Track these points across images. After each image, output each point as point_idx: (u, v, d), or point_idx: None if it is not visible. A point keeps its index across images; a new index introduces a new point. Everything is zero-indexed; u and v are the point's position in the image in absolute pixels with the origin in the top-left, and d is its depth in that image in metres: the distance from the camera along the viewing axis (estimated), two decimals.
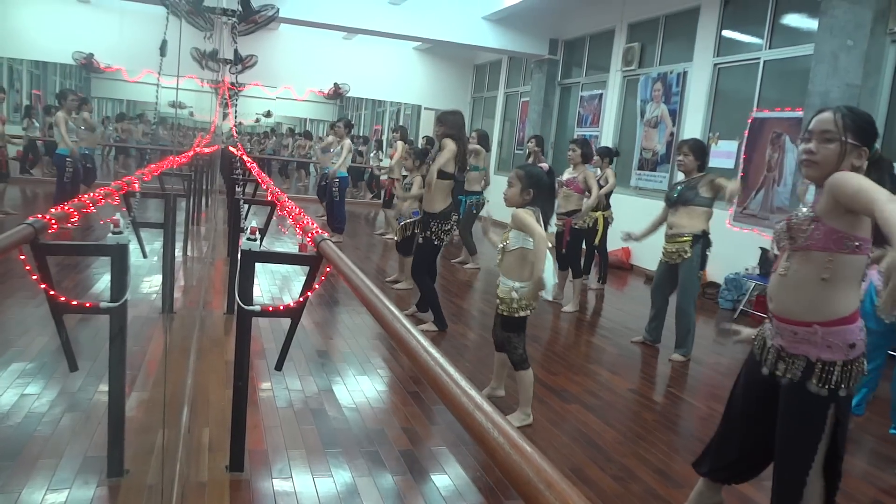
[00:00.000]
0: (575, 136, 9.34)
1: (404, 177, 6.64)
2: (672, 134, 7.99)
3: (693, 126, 7.67)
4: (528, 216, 3.02)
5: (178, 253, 4.84)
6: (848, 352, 1.86)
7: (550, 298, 5.85)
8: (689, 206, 4.34)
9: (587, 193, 5.67)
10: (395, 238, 5.93)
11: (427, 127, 13.58)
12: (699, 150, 4.43)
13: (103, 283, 4.86)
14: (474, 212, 7.30)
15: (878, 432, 3.62)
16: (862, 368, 1.89)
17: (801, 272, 1.88)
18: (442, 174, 4.62)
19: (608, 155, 6.62)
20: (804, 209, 1.89)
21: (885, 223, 1.46)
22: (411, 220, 5.50)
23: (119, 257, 2.19)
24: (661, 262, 4.60)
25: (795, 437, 1.92)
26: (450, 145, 4.60)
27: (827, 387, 1.86)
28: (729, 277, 6.48)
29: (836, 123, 1.84)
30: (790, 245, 1.91)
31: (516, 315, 3.13)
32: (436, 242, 4.65)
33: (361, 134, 16.58)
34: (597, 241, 6.40)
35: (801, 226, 1.86)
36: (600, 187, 6.28)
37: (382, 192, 10.01)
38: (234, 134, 9.14)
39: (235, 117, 9.80)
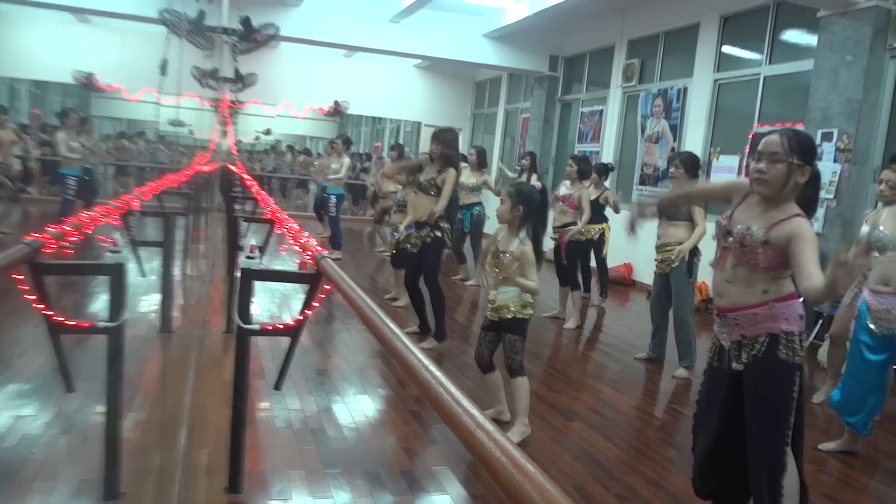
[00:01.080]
0: (575, 153, 9.41)
1: (394, 193, 6.69)
2: (673, 149, 8.01)
3: (694, 141, 7.71)
4: (533, 258, 3.14)
5: (177, 272, 4.84)
6: (800, 322, 2.15)
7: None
8: (672, 220, 4.46)
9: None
10: (390, 252, 5.91)
11: (427, 144, 13.63)
12: (691, 163, 4.48)
13: (101, 302, 4.85)
14: (484, 219, 7.29)
15: (886, 448, 3.59)
16: (805, 340, 2.19)
17: (745, 276, 2.16)
18: (438, 190, 4.61)
19: (605, 172, 6.63)
20: (754, 227, 2.11)
21: (812, 287, 1.91)
22: (406, 234, 5.47)
23: (117, 276, 2.18)
24: (656, 277, 4.67)
25: (772, 407, 2.14)
26: (452, 172, 4.61)
27: (794, 355, 2.12)
28: None
29: (783, 146, 2.09)
30: (740, 257, 2.15)
31: (521, 315, 3.17)
32: (446, 239, 4.65)
33: (362, 151, 16.65)
34: (606, 251, 6.44)
35: (755, 247, 2.11)
36: (602, 208, 6.31)
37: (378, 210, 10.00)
38: (234, 152, 9.19)
39: (235, 135, 9.86)
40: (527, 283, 3.12)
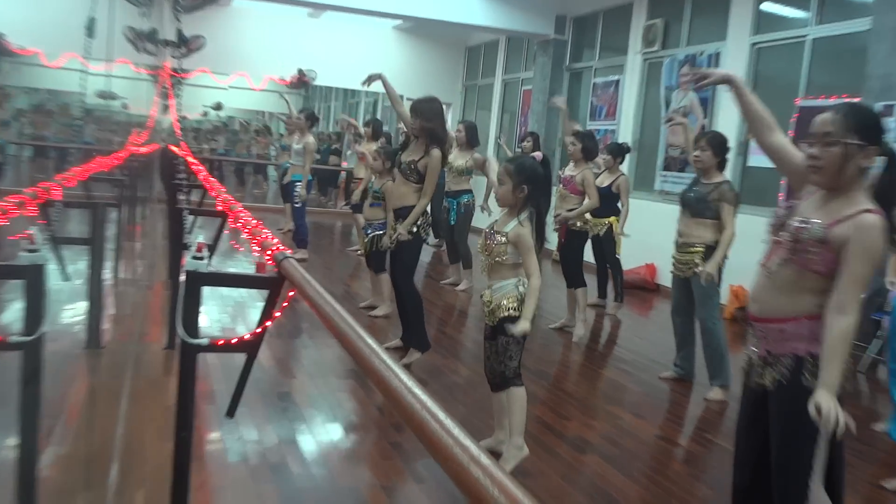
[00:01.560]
0: (585, 130, 9.45)
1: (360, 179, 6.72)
2: (703, 127, 8.05)
3: (728, 117, 7.75)
4: (531, 242, 3.16)
5: (108, 275, 4.82)
6: None
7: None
8: (698, 217, 4.48)
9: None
10: (364, 252, 5.89)
11: None
12: (719, 144, 4.51)
13: (14, 312, 4.81)
14: (474, 210, 7.28)
15: None
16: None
17: (790, 278, 2.16)
18: (418, 176, 4.62)
19: (620, 153, 6.63)
20: (813, 220, 2.10)
21: (827, 331, 2.02)
22: (380, 232, 5.47)
23: (34, 280, 2.16)
24: (674, 279, 4.70)
25: (792, 438, 2.16)
26: (436, 155, 4.62)
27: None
28: None
29: (836, 123, 2.07)
30: (788, 253, 2.14)
31: (520, 314, 3.16)
32: (424, 236, 4.70)
33: (331, 130, 16.62)
34: (619, 249, 6.45)
35: (809, 245, 2.09)
36: (615, 198, 6.32)
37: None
38: (177, 130, 9.16)
39: (179, 110, 9.83)
40: (528, 310, 3.11)
